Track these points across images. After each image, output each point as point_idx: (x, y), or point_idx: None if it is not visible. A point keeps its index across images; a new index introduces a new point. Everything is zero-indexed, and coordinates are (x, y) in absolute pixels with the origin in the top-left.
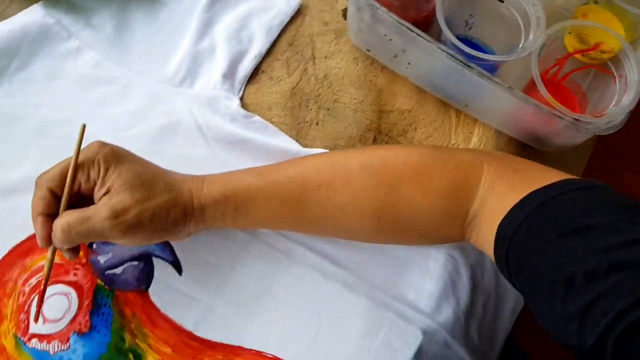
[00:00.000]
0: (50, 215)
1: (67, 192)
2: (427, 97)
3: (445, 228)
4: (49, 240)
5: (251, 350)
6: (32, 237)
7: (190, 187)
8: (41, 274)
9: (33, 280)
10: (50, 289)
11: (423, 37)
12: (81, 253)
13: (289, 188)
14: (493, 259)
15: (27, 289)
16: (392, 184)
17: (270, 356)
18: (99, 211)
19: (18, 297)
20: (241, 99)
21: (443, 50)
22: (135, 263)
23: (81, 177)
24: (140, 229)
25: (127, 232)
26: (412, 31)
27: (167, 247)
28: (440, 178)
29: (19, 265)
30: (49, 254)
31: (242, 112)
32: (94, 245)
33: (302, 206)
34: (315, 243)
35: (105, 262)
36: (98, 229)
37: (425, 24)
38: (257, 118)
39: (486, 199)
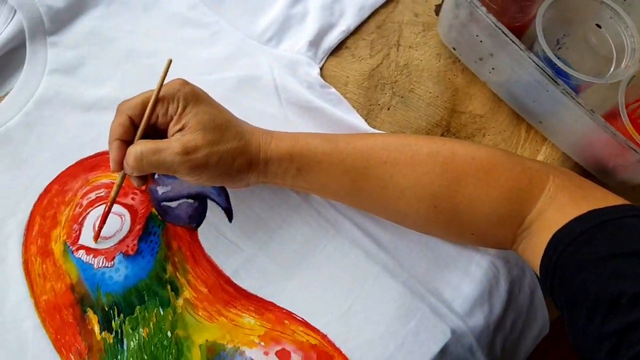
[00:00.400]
0: (125, 141)
1: (144, 122)
2: (501, 106)
3: (499, 230)
4: (120, 165)
5: (282, 309)
6: (99, 155)
7: (259, 139)
8: (101, 190)
9: (92, 195)
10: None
11: (517, 44)
12: None
13: (354, 158)
14: (537, 270)
15: (84, 201)
16: (457, 175)
17: (300, 319)
18: (172, 145)
19: (75, 207)
20: (321, 69)
21: (533, 61)
22: (190, 201)
23: (160, 110)
24: (206, 169)
25: (194, 170)
26: (507, 36)
27: (223, 193)
28: (506, 179)
29: (82, 179)
30: (118, 178)
31: (319, 81)
32: (156, 176)
33: (364, 179)
34: (363, 221)
35: (162, 193)
36: (168, 162)
37: (516, 34)
38: (333, 90)
39: (546, 209)
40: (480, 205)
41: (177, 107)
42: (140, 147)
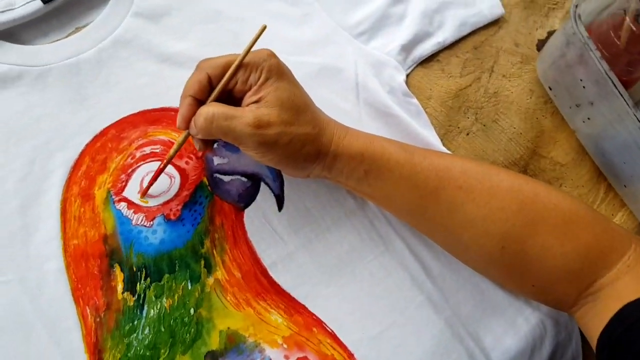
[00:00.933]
0: (198, 100)
1: (222, 84)
2: (585, 159)
3: (563, 287)
4: (187, 123)
5: (313, 314)
6: (164, 110)
7: (333, 131)
8: (157, 146)
9: (147, 149)
10: (157, 165)
11: (624, 98)
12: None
13: (428, 175)
14: (592, 339)
15: (138, 153)
16: (534, 219)
17: (329, 330)
18: (245, 115)
19: (127, 157)
20: (407, 76)
21: (639, 120)
22: (244, 179)
23: (240, 77)
24: (273, 148)
25: (260, 146)
26: (616, 88)
27: (279, 179)
28: (586, 235)
29: (141, 130)
30: (180, 137)
31: (403, 89)
32: (215, 145)
33: (433, 199)
34: (416, 243)
35: (217, 164)
36: (237, 131)
37: None
38: (415, 101)
39: (621, 277)
40: (551, 257)
41: (259, 77)
42: (213, 108)
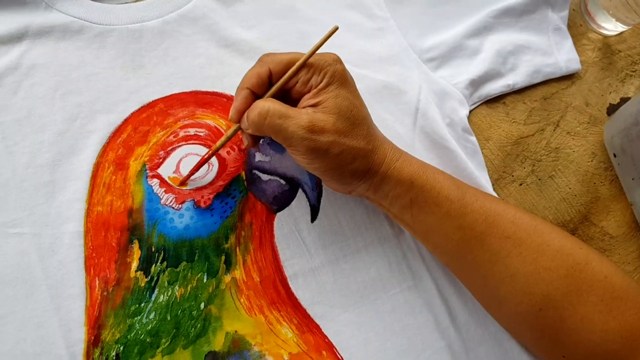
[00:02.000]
0: (254, 94)
1: (282, 81)
2: (637, 236)
3: None
4: (240, 115)
5: (325, 337)
6: (216, 94)
7: (386, 152)
8: (202, 130)
9: (191, 131)
10: (199, 149)
11: None
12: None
13: (476, 218)
14: None
15: (181, 133)
16: (580, 288)
17: (339, 357)
18: (300, 117)
19: (169, 134)
20: (469, 112)
21: None
22: (282, 182)
23: (302, 77)
24: (322, 157)
25: (309, 152)
26: None
27: (317, 189)
28: (632, 315)
29: (190, 110)
30: (230, 130)
31: (463, 124)
32: (260, 141)
33: (476, 244)
34: (447, 286)
35: (258, 161)
36: (289, 132)
37: None
38: (473, 139)
39: None
40: (590, 331)
41: (321, 81)
42: (269, 104)
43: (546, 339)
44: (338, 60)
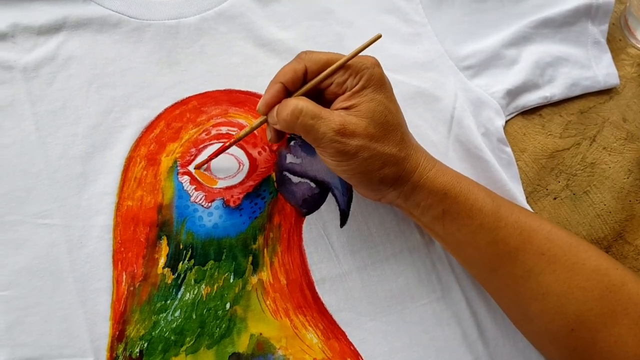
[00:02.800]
0: (286, 89)
1: (317, 80)
2: None
3: None
4: (268, 109)
5: (351, 344)
6: (250, 94)
7: (420, 160)
8: (235, 129)
9: (223, 129)
10: (232, 148)
11: None
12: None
13: (510, 233)
14: None
15: (213, 131)
16: (615, 310)
17: None
18: (331, 119)
19: (201, 131)
20: (505, 122)
21: None
22: (312, 185)
23: (338, 78)
24: (351, 160)
25: (338, 155)
26: None
27: (348, 194)
28: None
29: (223, 108)
30: (256, 122)
31: (499, 134)
32: (292, 142)
33: (509, 259)
34: (476, 299)
35: (289, 162)
36: (320, 132)
37: None
38: (509, 150)
39: None
40: (623, 354)
41: (356, 84)
42: (303, 103)
43: (576, 359)
44: (376, 64)
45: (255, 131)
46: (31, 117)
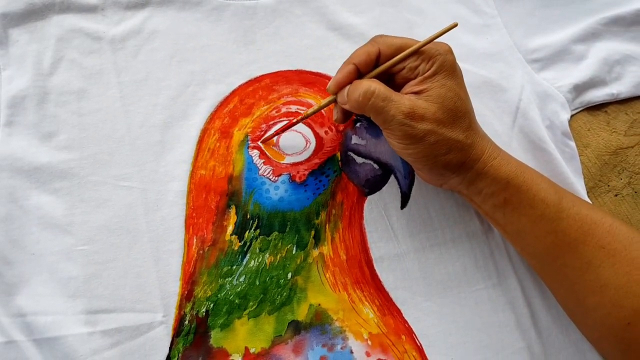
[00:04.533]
0: (358, 70)
1: (390, 64)
2: None
3: None
4: (338, 89)
5: (406, 322)
6: (319, 75)
7: (485, 148)
8: (304, 108)
9: (293, 107)
10: (300, 126)
11: None
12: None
13: (571, 224)
14: None
15: (283, 109)
16: None
17: (418, 343)
18: (401, 102)
19: (272, 109)
20: (570, 116)
21: None
22: (375, 166)
23: (410, 63)
24: (418, 144)
25: (405, 138)
26: None
27: (410, 177)
28: None
29: (294, 88)
30: (325, 101)
31: (563, 128)
32: (358, 124)
33: (568, 251)
34: (532, 288)
35: (354, 143)
36: (389, 115)
37: None
38: (572, 144)
39: None
40: None
41: (429, 69)
42: (376, 85)
43: (632, 354)
44: (449, 51)
45: (323, 111)
46: (116, 86)
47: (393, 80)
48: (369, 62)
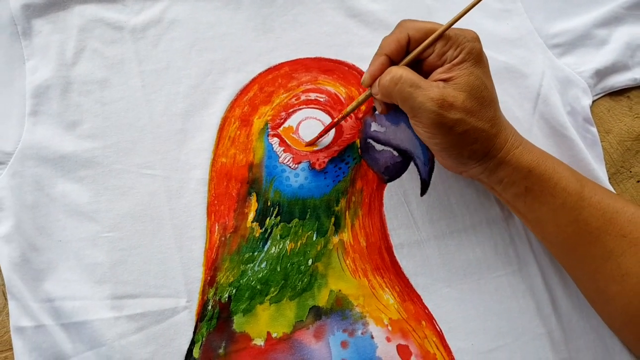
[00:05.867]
0: (391, 60)
1: (421, 49)
2: None
3: None
4: (373, 81)
5: (426, 307)
6: (339, 62)
7: (508, 137)
8: (323, 96)
9: (312, 95)
10: (318, 113)
11: None
12: (363, 107)
13: (592, 213)
14: None
15: (302, 96)
16: None
17: (438, 329)
18: (430, 89)
19: (291, 97)
20: (592, 102)
21: None
22: (395, 153)
23: (438, 49)
24: (445, 133)
25: (434, 126)
26: None
27: (430, 164)
28: None
29: (313, 75)
30: (362, 96)
31: (585, 113)
32: (377, 111)
33: (589, 240)
34: (552, 275)
35: (374, 130)
36: (417, 102)
37: None
38: (594, 130)
39: None
40: None
41: (457, 56)
42: (402, 71)
43: None
44: (477, 39)
45: (342, 99)
46: (138, 75)
47: (420, 67)
48: (400, 49)
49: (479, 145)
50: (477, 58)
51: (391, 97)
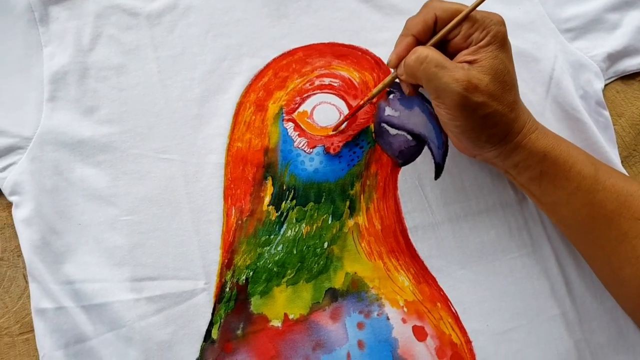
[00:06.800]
0: (417, 41)
1: (448, 29)
2: None
3: None
4: (399, 62)
5: (441, 289)
6: (352, 48)
7: (525, 122)
8: (337, 80)
9: (326, 80)
10: (332, 98)
11: None
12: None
13: (607, 196)
14: None
15: (317, 81)
16: None
17: (453, 310)
18: (456, 71)
19: (306, 82)
20: (604, 86)
21: None
22: (409, 137)
23: (464, 30)
24: (468, 116)
25: (457, 108)
26: None
27: (444, 148)
28: None
29: (326, 60)
30: (388, 78)
31: (597, 97)
32: (391, 96)
33: (604, 222)
34: (566, 256)
35: (388, 115)
36: (442, 82)
37: None
38: (606, 114)
39: None
40: None
41: (482, 39)
42: (428, 51)
43: None
44: (503, 23)
45: (355, 82)
46: (154, 61)
47: (445, 49)
48: (427, 30)
49: (498, 129)
50: (502, 42)
51: (416, 77)
